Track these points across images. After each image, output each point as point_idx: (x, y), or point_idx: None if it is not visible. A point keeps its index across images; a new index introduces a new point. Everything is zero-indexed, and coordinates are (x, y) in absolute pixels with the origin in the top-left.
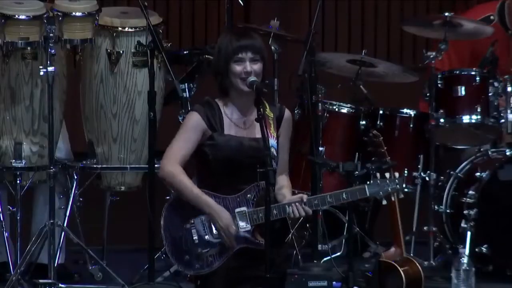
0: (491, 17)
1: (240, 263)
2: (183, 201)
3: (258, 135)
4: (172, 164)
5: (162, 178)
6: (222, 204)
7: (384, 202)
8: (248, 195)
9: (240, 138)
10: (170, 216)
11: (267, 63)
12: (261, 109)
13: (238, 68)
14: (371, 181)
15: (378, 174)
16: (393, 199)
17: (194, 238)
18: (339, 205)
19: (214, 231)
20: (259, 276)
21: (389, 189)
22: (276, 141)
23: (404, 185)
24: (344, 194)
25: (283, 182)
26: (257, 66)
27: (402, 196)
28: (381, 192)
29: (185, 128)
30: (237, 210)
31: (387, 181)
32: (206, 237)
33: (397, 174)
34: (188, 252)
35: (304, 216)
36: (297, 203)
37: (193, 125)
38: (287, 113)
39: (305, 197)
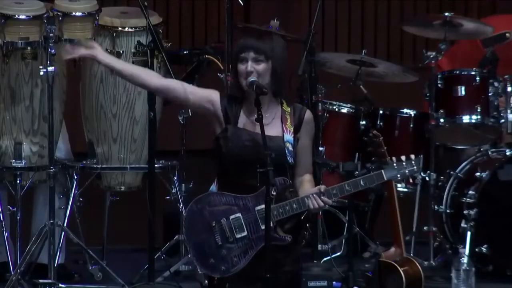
0: (507, 35)
1: (255, 263)
2: (201, 206)
3: (272, 133)
4: None
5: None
6: (242, 204)
7: (403, 185)
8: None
9: (253, 134)
10: (190, 223)
11: (280, 65)
12: (261, 109)
13: (241, 67)
14: (387, 165)
15: (394, 158)
16: (394, 187)
17: (217, 240)
18: (340, 205)
19: (241, 229)
20: (270, 276)
21: (407, 171)
22: (292, 136)
23: (420, 167)
24: (362, 181)
25: (306, 178)
26: (261, 67)
27: (420, 176)
28: (398, 175)
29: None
30: (257, 208)
31: (404, 163)
32: (230, 238)
33: (413, 156)
34: (212, 256)
35: (323, 207)
36: (314, 195)
37: (208, 91)
38: (307, 114)
39: (323, 187)
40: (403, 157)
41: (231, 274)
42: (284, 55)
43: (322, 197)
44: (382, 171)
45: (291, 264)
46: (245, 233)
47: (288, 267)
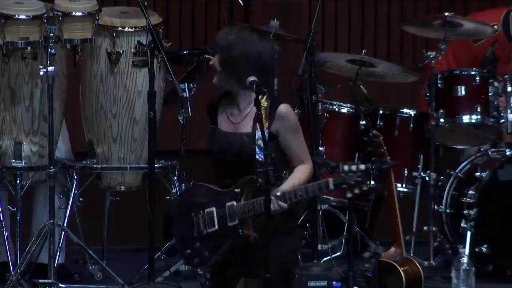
0: (495, 27)
1: (235, 257)
2: (186, 196)
3: (245, 130)
4: None
5: None
6: (219, 198)
7: (349, 195)
8: (236, 190)
9: (228, 134)
10: (177, 211)
11: (230, 54)
12: (260, 109)
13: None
14: (337, 176)
15: (346, 167)
16: (348, 195)
17: (194, 232)
18: (340, 205)
19: (212, 224)
20: (254, 269)
21: (352, 181)
22: (267, 132)
23: (370, 178)
24: (310, 187)
25: (296, 171)
26: (213, 61)
27: (365, 188)
28: (343, 185)
29: None
30: (228, 204)
31: (352, 174)
32: (203, 232)
33: (362, 166)
34: (189, 247)
35: (279, 210)
36: (273, 198)
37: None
38: (279, 110)
39: (280, 191)
40: (353, 167)
41: (205, 267)
42: (242, 44)
43: (278, 201)
44: (329, 180)
45: (278, 259)
46: (215, 228)
47: (276, 261)
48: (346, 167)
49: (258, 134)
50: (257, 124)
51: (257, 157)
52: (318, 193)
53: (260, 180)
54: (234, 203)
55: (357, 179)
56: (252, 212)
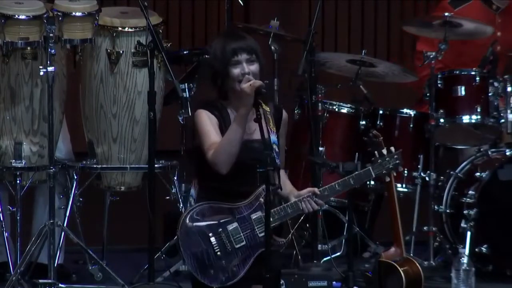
0: None
1: (253, 267)
2: (195, 220)
3: (258, 136)
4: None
5: (214, 164)
6: (237, 213)
7: (388, 179)
8: (261, 199)
9: (245, 141)
10: (186, 234)
11: (263, 63)
12: (260, 110)
13: (235, 71)
14: (373, 163)
15: (376, 153)
16: (387, 179)
17: (216, 252)
18: (340, 205)
19: (240, 239)
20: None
21: (391, 165)
22: (276, 136)
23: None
24: (351, 179)
25: (285, 179)
26: (254, 67)
27: (401, 169)
28: (384, 171)
29: (204, 121)
30: (253, 216)
31: (387, 158)
32: (229, 249)
33: (393, 149)
34: (212, 266)
35: (318, 209)
36: (308, 198)
37: (209, 117)
38: (285, 115)
39: (316, 190)
40: (384, 151)
41: (232, 283)
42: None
43: (315, 199)
44: (370, 168)
45: (274, 264)
46: (243, 243)
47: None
48: (384, 151)
49: (272, 138)
50: (264, 127)
51: (277, 161)
52: (359, 184)
53: (277, 184)
54: (260, 213)
55: (396, 161)
56: (284, 218)
